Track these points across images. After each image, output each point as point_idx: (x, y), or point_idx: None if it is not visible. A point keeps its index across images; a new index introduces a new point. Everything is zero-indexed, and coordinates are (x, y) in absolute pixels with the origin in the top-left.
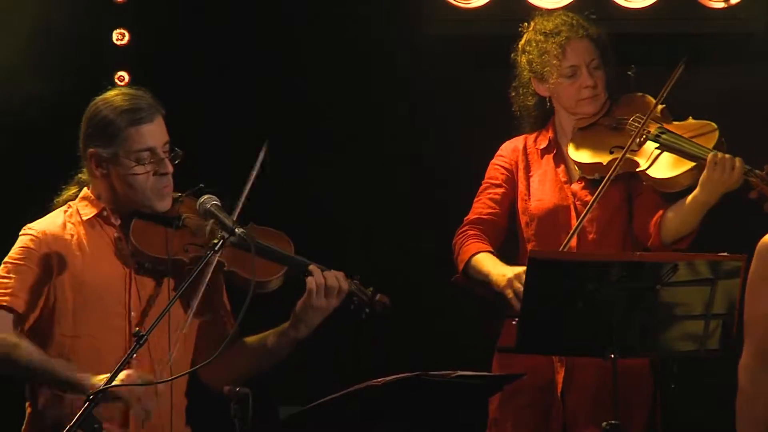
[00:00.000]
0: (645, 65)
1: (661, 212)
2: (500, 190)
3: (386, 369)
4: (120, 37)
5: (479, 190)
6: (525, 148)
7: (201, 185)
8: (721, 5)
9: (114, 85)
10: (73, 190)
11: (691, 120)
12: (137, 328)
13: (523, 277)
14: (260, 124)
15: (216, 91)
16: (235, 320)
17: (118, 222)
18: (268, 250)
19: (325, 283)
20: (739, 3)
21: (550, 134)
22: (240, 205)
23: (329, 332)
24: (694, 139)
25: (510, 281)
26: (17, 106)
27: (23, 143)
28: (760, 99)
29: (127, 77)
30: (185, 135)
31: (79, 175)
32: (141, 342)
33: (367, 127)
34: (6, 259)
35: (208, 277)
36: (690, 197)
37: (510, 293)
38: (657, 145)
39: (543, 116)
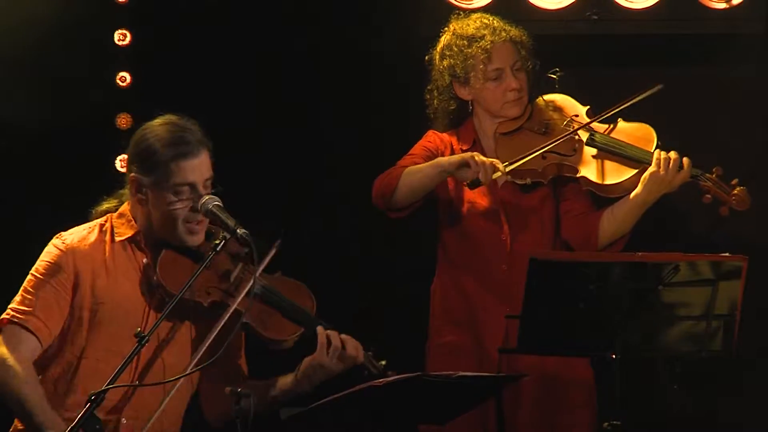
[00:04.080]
0: (645, 65)
1: (597, 215)
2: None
3: (388, 369)
4: (122, 37)
5: (404, 157)
6: (452, 145)
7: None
8: (723, 6)
9: (115, 87)
10: (113, 203)
11: (621, 122)
12: (138, 329)
13: (481, 154)
14: (260, 124)
15: (216, 92)
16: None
17: (150, 249)
18: (289, 308)
19: (344, 348)
20: (740, 4)
21: (474, 136)
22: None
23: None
24: (633, 143)
25: (472, 154)
26: (18, 107)
27: (23, 143)
28: (760, 100)
29: (128, 78)
30: None
31: (123, 191)
32: (143, 343)
33: (367, 127)
34: (33, 269)
35: (223, 321)
36: (631, 197)
37: (472, 160)
38: (596, 151)
39: (460, 118)
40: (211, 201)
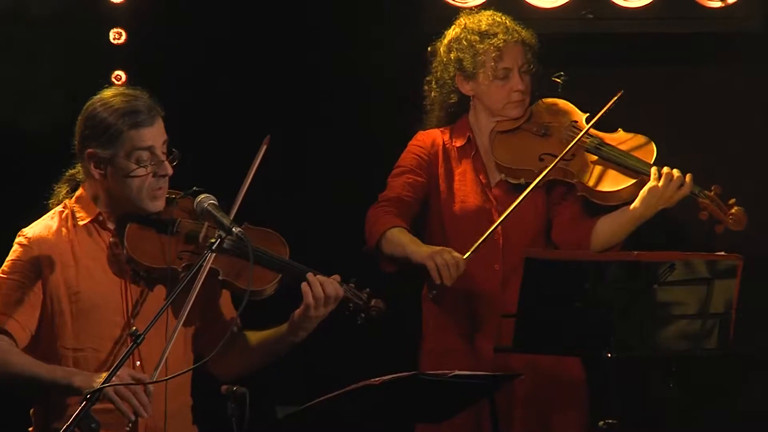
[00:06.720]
0: (640, 64)
1: (590, 222)
2: (418, 178)
3: (384, 368)
4: (117, 36)
5: (394, 173)
6: (443, 144)
7: (195, 188)
8: (719, 4)
9: (111, 85)
10: (65, 189)
11: (621, 132)
12: (134, 328)
13: (445, 253)
14: (257, 124)
15: (213, 91)
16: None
17: (114, 226)
18: (264, 256)
19: (324, 292)
20: (736, 2)
21: (468, 133)
22: (240, 198)
23: (326, 331)
24: (632, 153)
25: (431, 254)
26: (14, 106)
27: (20, 143)
28: (758, 99)
29: (124, 77)
30: (181, 135)
31: (70, 172)
32: (138, 342)
33: (366, 126)
34: None
35: (199, 284)
36: (628, 209)
37: (432, 264)
38: (596, 157)
39: (456, 114)
40: (206, 200)
